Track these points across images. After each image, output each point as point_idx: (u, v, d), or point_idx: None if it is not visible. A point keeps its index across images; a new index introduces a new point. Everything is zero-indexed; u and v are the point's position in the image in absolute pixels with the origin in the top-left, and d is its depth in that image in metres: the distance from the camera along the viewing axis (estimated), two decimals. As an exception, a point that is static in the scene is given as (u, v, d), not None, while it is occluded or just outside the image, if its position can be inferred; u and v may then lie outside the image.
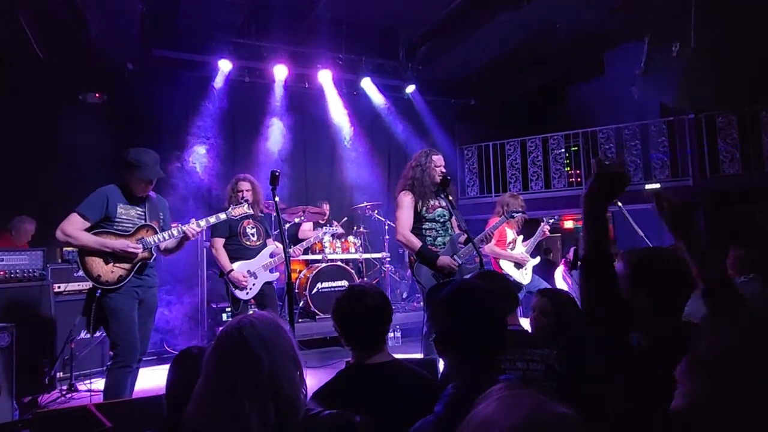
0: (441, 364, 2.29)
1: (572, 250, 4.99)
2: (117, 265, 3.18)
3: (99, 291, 3.14)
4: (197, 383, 1.28)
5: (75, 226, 3.10)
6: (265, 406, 1.21)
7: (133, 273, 3.22)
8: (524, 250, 4.96)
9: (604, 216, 1.40)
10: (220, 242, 4.31)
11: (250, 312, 1.55)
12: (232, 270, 4.25)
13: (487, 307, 1.40)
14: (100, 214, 3.17)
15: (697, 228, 1.36)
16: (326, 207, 6.94)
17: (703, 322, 1.51)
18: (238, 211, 3.79)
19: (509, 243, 4.95)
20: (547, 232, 5.16)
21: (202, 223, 3.52)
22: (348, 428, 1.32)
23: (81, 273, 4.62)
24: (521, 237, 5.07)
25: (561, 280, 5.03)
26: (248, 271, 4.32)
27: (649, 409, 1.23)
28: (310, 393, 1.75)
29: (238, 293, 4.27)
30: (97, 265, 3.14)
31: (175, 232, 3.37)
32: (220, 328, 1.39)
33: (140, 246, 3.22)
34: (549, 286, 4.43)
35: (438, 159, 3.78)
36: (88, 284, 4.64)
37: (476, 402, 1.12)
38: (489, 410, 0.75)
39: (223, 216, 3.70)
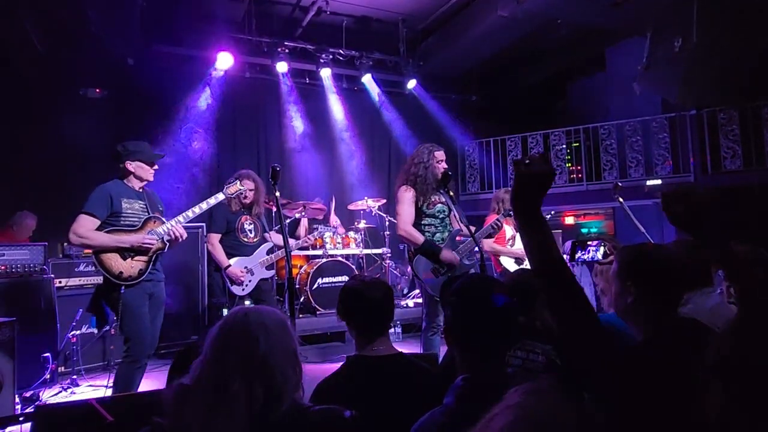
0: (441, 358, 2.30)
1: (569, 243, 4.97)
2: (135, 259, 3.21)
3: (123, 287, 3.13)
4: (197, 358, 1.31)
5: (87, 227, 3.09)
6: (253, 389, 1.23)
7: (151, 264, 3.26)
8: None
9: (539, 220, 1.26)
10: (216, 238, 4.31)
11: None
12: (230, 265, 4.25)
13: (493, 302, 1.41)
14: (107, 210, 3.17)
15: (718, 223, 1.25)
16: (323, 204, 6.93)
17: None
18: (232, 189, 3.82)
19: (509, 239, 4.95)
20: None
21: (203, 205, 3.52)
22: (338, 423, 1.32)
23: (86, 268, 4.72)
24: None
25: None
26: (245, 267, 4.33)
27: (648, 404, 1.23)
28: (312, 387, 1.76)
29: (235, 289, 4.28)
30: (116, 262, 3.14)
31: (181, 218, 3.39)
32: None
33: (154, 237, 3.25)
34: None
35: (440, 154, 3.77)
36: (90, 279, 4.73)
37: (488, 412, 1.08)
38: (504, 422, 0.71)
39: (221, 196, 3.71)
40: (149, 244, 3.21)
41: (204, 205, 3.53)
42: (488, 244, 4.72)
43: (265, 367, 1.25)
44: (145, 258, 3.24)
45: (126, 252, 3.17)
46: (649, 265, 1.50)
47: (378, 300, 1.82)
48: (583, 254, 2.25)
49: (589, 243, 2.23)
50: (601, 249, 2.19)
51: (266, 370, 1.25)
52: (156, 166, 3.40)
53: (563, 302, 1.24)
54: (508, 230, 4.95)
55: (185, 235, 3.39)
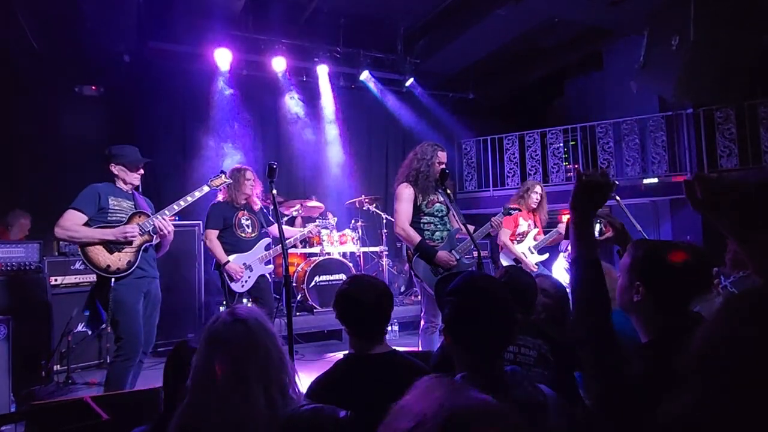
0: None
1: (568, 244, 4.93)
2: (123, 251, 3.20)
3: (113, 280, 3.13)
4: (191, 377, 1.29)
5: (73, 221, 3.10)
6: (271, 395, 1.24)
7: (140, 255, 3.24)
8: (532, 245, 4.91)
9: (589, 225, 1.39)
10: (213, 234, 4.29)
11: (247, 304, 1.56)
12: (228, 261, 4.23)
13: (494, 301, 1.40)
14: (95, 208, 3.18)
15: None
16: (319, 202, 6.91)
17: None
18: (217, 181, 3.81)
19: (518, 235, 4.93)
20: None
21: (189, 197, 3.49)
22: (330, 423, 1.30)
23: (81, 266, 4.69)
24: (535, 231, 4.98)
25: (559, 274, 5.02)
26: (244, 264, 4.31)
27: (648, 405, 1.22)
28: (308, 383, 1.75)
29: (234, 286, 4.25)
30: (102, 256, 3.14)
31: (166, 211, 3.36)
32: (211, 320, 1.40)
33: (136, 227, 3.23)
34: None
35: (443, 155, 3.76)
36: (86, 277, 4.71)
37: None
38: (407, 399, 0.75)
39: (206, 188, 3.69)
40: (129, 233, 3.17)
41: (189, 198, 3.50)
42: (504, 235, 4.77)
43: (274, 373, 1.25)
44: (132, 250, 3.23)
45: (112, 245, 3.17)
46: (662, 269, 1.44)
47: (373, 305, 1.79)
48: None
49: None
50: (597, 226, 2.15)
51: (278, 375, 1.25)
52: (141, 171, 3.39)
53: (593, 297, 1.34)
54: (522, 225, 4.92)
55: (171, 228, 3.36)
